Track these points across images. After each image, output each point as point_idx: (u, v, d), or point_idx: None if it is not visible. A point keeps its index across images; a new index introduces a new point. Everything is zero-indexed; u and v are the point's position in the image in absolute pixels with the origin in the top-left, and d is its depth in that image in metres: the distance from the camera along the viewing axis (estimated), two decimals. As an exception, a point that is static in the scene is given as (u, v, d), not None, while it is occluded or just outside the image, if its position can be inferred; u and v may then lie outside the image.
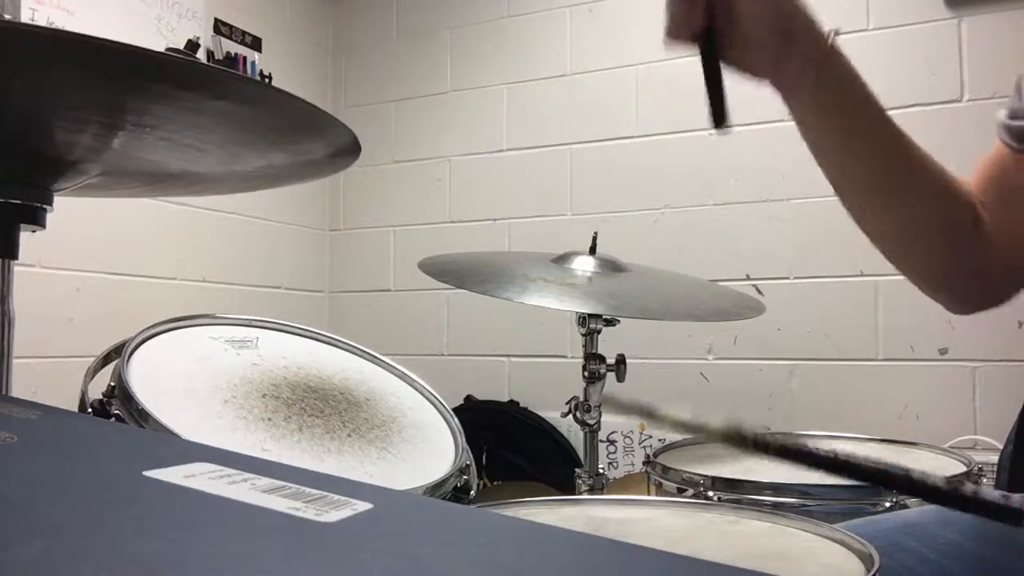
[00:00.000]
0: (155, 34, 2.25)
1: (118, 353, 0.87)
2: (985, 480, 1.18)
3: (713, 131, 0.70)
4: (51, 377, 1.82)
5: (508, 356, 2.59)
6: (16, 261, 0.81)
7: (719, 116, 0.70)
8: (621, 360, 1.36)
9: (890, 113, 0.78)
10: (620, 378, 1.35)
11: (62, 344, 1.97)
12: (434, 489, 0.85)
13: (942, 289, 0.87)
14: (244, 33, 2.57)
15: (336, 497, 0.39)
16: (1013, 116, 0.80)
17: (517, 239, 2.61)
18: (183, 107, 0.69)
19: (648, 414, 0.76)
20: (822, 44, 0.74)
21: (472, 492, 0.91)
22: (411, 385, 1.09)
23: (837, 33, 0.75)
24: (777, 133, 2.20)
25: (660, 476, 1.21)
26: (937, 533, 0.76)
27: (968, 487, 0.53)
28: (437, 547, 0.36)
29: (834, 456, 0.58)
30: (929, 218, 0.81)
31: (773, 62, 0.73)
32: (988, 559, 0.55)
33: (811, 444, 0.62)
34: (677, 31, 0.70)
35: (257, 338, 1.04)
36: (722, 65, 0.72)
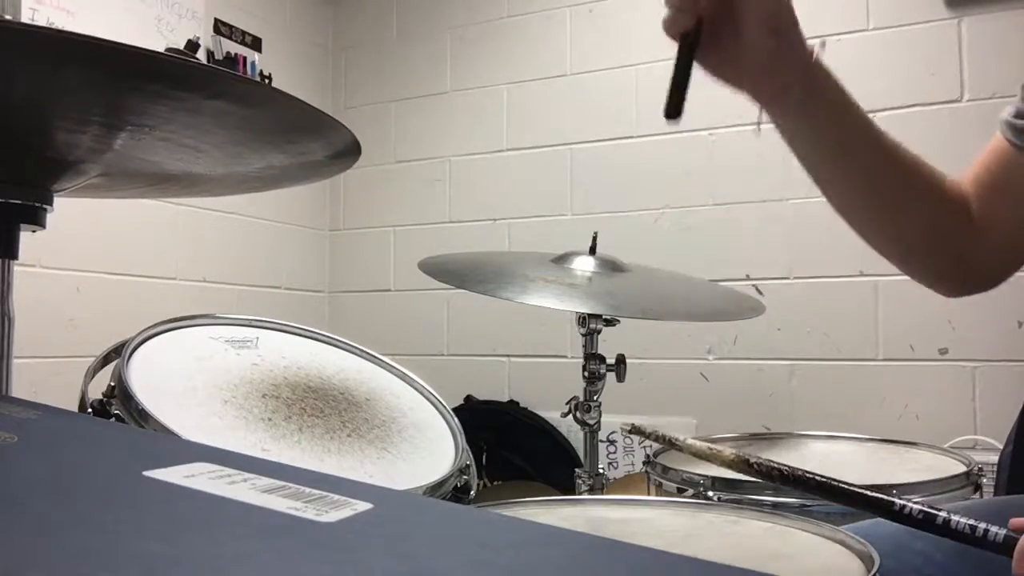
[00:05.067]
0: (155, 34, 2.25)
1: (118, 353, 0.87)
2: (985, 480, 1.18)
3: (666, 120, 0.71)
4: (51, 377, 1.82)
5: (508, 356, 2.59)
6: (16, 261, 0.81)
7: (676, 109, 0.70)
8: (621, 360, 1.35)
9: (883, 116, 0.80)
10: (620, 378, 1.35)
11: (62, 344, 1.97)
12: (434, 489, 0.85)
13: (937, 280, 0.91)
14: (244, 33, 2.57)
15: (336, 497, 0.39)
16: (1018, 116, 0.81)
17: (517, 239, 2.61)
18: (183, 108, 0.69)
19: (670, 443, 0.83)
20: (807, 59, 0.75)
21: (472, 492, 0.91)
22: (411, 385, 1.09)
23: (822, 45, 0.76)
24: (777, 133, 2.18)
25: (660, 476, 1.21)
26: None
27: (941, 516, 0.58)
28: (437, 547, 0.36)
29: (825, 480, 0.66)
30: (919, 217, 0.84)
31: (761, 71, 0.74)
32: (994, 560, 0.56)
33: (805, 469, 0.71)
34: (671, 24, 0.71)
35: (257, 338, 1.04)
36: (699, 66, 0.72)
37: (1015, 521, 0.57)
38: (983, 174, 0.85)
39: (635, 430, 0.93)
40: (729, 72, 0.75)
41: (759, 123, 0.78)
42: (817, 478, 0.70)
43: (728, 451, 0.79)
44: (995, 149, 0.84)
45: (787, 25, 0.73)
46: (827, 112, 0.78)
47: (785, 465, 0.73)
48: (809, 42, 0.75)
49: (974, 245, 0.85)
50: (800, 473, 0.71)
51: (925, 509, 0.61)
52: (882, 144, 0.81)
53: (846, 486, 0.68)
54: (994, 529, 0.57)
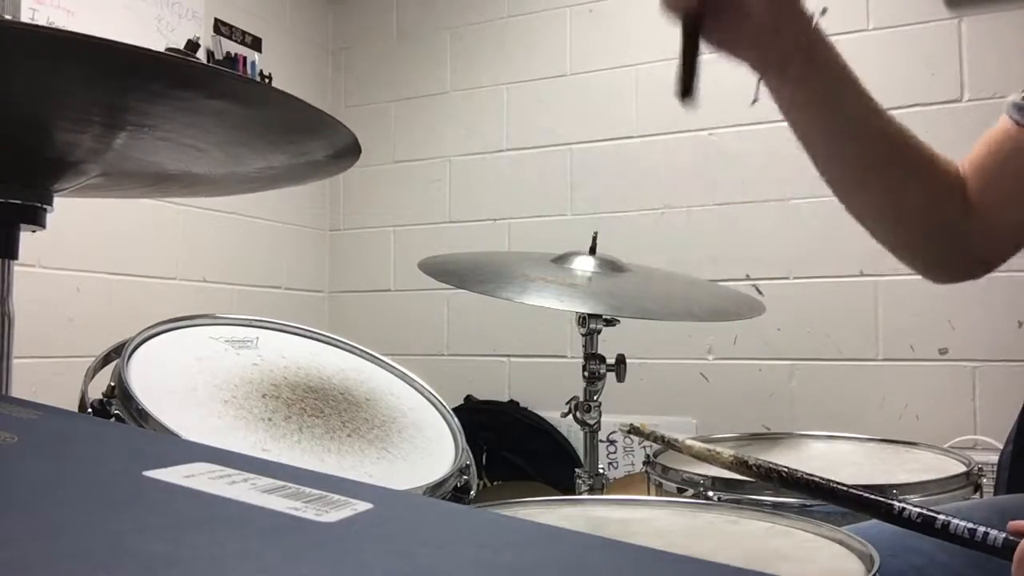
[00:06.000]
0: (155, 34, 2.25)
1: (118, 353, 0.87)
2: (985, 480, 1.18)
3: (681, 101, 0.72)
4: (51, 377, 1.82)
5: (508, 356, 2.59)
6: (16, 261, 0.81)
7: (687, 88, 0.72)
8: (621, 360, 1.35)
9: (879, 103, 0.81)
10: (620, 378, 1.35)
11: (62, 344, 1.97)
12: (434, 489, 0.85)
13: (932, 265, 0.91)
14: (244, 33, 2.57)
15: (336, 497, 0.39)
16: None
17: (517, 239, 2.61)
18: (183, 108, 0.69)
19: (669, 444, 0.84)
20: (808, 25, 0.76)
21: (472, 492, 0.91)
22: (411, 385, 1.09)
23: (823, 12, 0.76)
24: (777, 133, 2.19)
25: (660, 476, 1.21)
26: None
27: (940, 519, 0.58)
28: (437, 547, 0.36)
29: (824, 482, 0.66)
30: (914, 194, 0.84)
31: (763, 40, 0.75)
32: (999, 560, 0.56)
33: (804, 471, 0.71)
34: (673, 3, 0.73)
35: (257, 338, 1.04)
36: (704, 43, 0.74)
37: (1014, 524, 0.57)
38: (983, 156, 0.85)
39: (634, 431, 0.93)
40: (729, 43, 0.76)
41: (757, 94, 0.78)
42: (816, 480, 0.70)
43: (727, 452, 0.79)
44: (998, 131, 0.84)
45: (780, 8, 0.74)
46: (826, 82, 0.79)
47: (784, 467, 0.73)
48: (809, 9, 0.76)
49: (970, 228, 0.85)
50: (799, 475, 0.71)
51: (924, 512, 0.61)
52: (880, 118, 0.81)
53: (845, 488, 0.68)
54: (993, 532, 0.57)
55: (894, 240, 0.89)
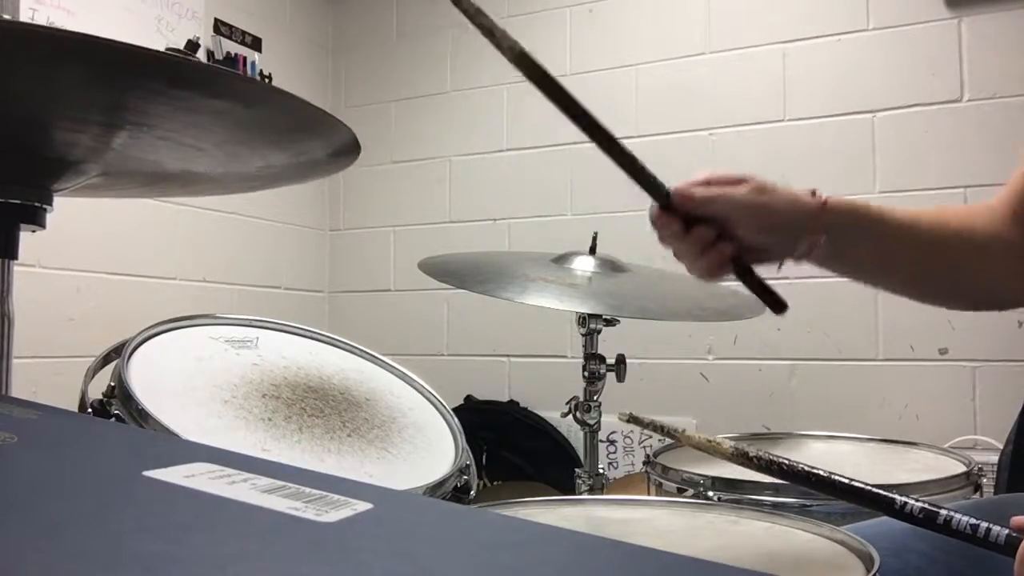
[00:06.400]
0: (155, 34, 2.25)
1: (118, 353, 0.87)
2: (985, 480, 1.18)
3: (781, 314, 0.83)
4: (51, 377, 1.82)
5: (508, 356, 2.59)
6: (16, 261, 0.81)
7: (777, 304, 0.84)
8: (621, 360, 1.35)
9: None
10: (620, 378, 1.35)
11: (62, 344, 1.97)
12: (434, 489, 0.85)
13: (975, 306, 0.96)
14: (244, 33, 2.57)
15: (336, 497, 0.39)
16: None
17: (517, 239, 2.61)
18: (182, 107, 0.69)
19: (669, 433, 0.85)
20: (815, 211, 0.82)
21: (472, 492, 0.91)
22: (411, 385, 1.09)
23: (817, 193, 0.82)
24: (777, 133, 2.20)
25: (660, 476, 1.21)
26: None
27: (942, 515, 0.58)
28: (437, 547, 0.36)
29: (825, 475, 0.66)
30: (965, 281, 0.88)
31: (784, 250, 0.83)
32: (997, 560, 0.56)
33: (805, 463, 0.71)
34: (713, 270, 0.82)
35: (257, 338, 1.04)
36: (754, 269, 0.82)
37: (1016, 520, 0.57)
38: (1020, 189, 0.85)
39: (633, 419, 0.93)
40: (761, 259, 0.84)
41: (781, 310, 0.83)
42: (817, 473, 0.70)
43: (727, 444, 0.79)
44: None
45: (772, 223, 0.81)
46: (857, 246, 0.83)
47: (784, 459, 0.73)
48: (809, 193, 0.82)
49: (1007, 275, 0.86)
50: (800, 467, 0.71)
51: (926, 507, 0.61)
52: (921, 239, 0.84)
53: (847, 481, 0.67)
54: (996, 528, 0.57)
55: (949, 305, 0.96)
